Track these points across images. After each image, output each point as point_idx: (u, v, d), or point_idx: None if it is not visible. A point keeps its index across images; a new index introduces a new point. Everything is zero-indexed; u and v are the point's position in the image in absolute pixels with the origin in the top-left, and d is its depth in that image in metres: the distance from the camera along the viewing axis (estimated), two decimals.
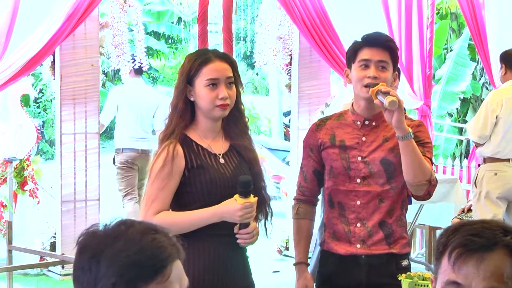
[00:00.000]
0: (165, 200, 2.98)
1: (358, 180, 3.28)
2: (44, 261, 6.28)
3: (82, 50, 6.41)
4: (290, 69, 7.44)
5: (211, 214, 2.96)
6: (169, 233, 1.61)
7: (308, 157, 3.40)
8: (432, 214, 6.75)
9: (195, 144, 3.04)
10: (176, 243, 1.60)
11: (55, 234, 6.59)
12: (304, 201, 3.43)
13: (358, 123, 3.33)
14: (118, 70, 6.80)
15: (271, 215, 3.15)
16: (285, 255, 7.37)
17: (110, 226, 1.60)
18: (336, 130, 3.35)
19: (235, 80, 3.05)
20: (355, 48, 3.29)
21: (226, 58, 3.08)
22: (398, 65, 3.46)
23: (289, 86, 7.53)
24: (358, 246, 3.27)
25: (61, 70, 6.36)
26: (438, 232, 6.54)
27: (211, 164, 3.01)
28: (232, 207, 2.93)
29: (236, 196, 2.94)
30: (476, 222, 1.75)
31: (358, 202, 3.27)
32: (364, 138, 3.31)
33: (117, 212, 9.35)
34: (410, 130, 3.14)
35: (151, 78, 20.32)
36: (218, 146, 3.08)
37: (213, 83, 2.99)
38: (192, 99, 3.03)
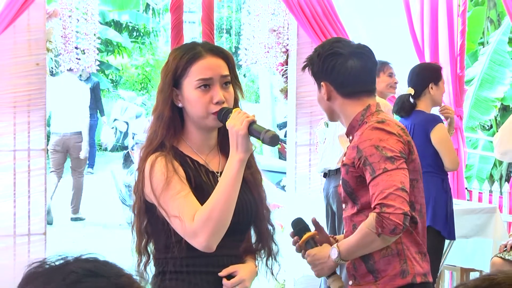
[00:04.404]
0: (193, 201, 2.92)
1: (343, 205, 3.53)
2: None
3: (24, 45, 6.36)
4: (286, 70, 7.47)
5: (232, 160, 2.91)
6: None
7: None
8: (464, 253, 6.73)
9: (190, 159, 3.04)
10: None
11: None
12: None
13: None
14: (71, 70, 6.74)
15: (278, 251, 3.17)
16: None
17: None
18: None
19: (232, 81, 3.05)
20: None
21: (220, 52, 3.07)
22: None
23: (284, 91, 7.56)
24: (350, 282, 3.48)
25: None
26: (473, 275, 6.52)
27: (210, 184, 3.00)
28: (232, 129, 2.90)
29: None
30: (505, 279, 1.63)
31: (344, 231, 3.50)
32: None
33: (67, 248, 9.25)
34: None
35: (110, 80, 20.26)
36: (215, 163, 3.10)
37: (206, 84, 2.99)
38: (180, 105, 3.03)
